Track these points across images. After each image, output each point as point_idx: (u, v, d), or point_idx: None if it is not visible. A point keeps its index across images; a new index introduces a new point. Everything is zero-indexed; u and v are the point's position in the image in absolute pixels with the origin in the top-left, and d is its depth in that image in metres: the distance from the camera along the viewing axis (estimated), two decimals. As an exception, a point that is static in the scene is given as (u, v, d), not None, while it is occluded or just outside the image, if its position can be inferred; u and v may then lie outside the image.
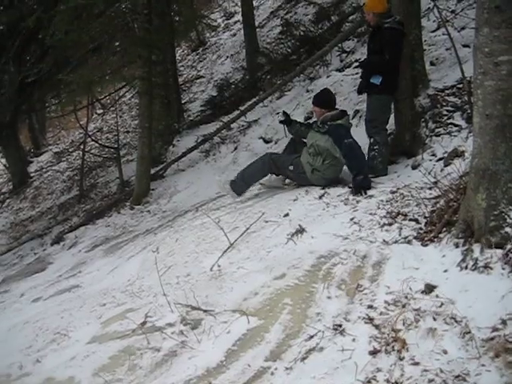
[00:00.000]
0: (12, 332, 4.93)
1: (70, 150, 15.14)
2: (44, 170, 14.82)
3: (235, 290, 3.76)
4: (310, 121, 6.68)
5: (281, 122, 6.08)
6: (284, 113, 5.99)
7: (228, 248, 4.46)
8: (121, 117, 12.46)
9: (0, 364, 4.04)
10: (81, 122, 13.13)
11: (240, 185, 5.68)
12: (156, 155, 9.66)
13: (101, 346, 3.72)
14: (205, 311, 3.60)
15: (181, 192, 8.30)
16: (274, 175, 5.81)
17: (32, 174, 14.74)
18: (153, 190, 8.81)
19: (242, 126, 9.10)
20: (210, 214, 5.70)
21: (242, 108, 9.47)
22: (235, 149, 8.63)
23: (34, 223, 10.97)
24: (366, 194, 4.80)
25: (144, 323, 3.77)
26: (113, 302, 4.53)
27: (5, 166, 15.46)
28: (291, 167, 5.56)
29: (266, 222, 4.75)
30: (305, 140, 5.70)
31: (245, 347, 3.09)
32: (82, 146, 12.25)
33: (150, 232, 6.65)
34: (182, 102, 12.06)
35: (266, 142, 8.20)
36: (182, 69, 15.14)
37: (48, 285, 6.36)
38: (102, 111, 16.79)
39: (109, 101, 16.33)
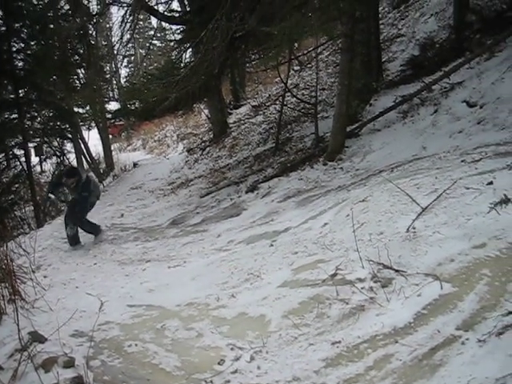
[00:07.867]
0: (210, 267, 5.39)
1: (267, 104, 15.68)
2: (242, 121, 15.61)
3: (430, 253, 3.69)
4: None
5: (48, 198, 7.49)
6: (48, 196, 7.41)
7: (422, 212, 4.35)
8: (317, 74, 12.57)
9: (200, 294, 4.48)
10: (278, 78, 13.44)
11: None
12: (352, 113, 9.60)
13: (291, 291, 3.92)
14: (396, 271, 3.60)
15: (375, 152, 8.21)
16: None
17: (231, 125, 15.63)
18: (347, 147, 8.83)
19: (445, 87, 8.63)
20: (408, 176, 5.60)
21: (445, 69, 8.99)
22: (435, 111, 8.23)
23: (231, 171, 11.66)
24: None
25: (334, 275, 3.88)
26: (304, 252, 4.72)
27: (207, 116, 16.61)
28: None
29: (467, 188, 4.52)
30: None
31: (435, 312, 3.05)
32: (279, 100, 12.60)
33: (342, 188, 6.73)
34: (382, 60, 11.78)
35: (470, 106, 7.68)
36: (382, 27, 14.70)
37: (242, 229, 6.79)
38: (298, 68, 17.03)
39: (306, 58, 16.53)
